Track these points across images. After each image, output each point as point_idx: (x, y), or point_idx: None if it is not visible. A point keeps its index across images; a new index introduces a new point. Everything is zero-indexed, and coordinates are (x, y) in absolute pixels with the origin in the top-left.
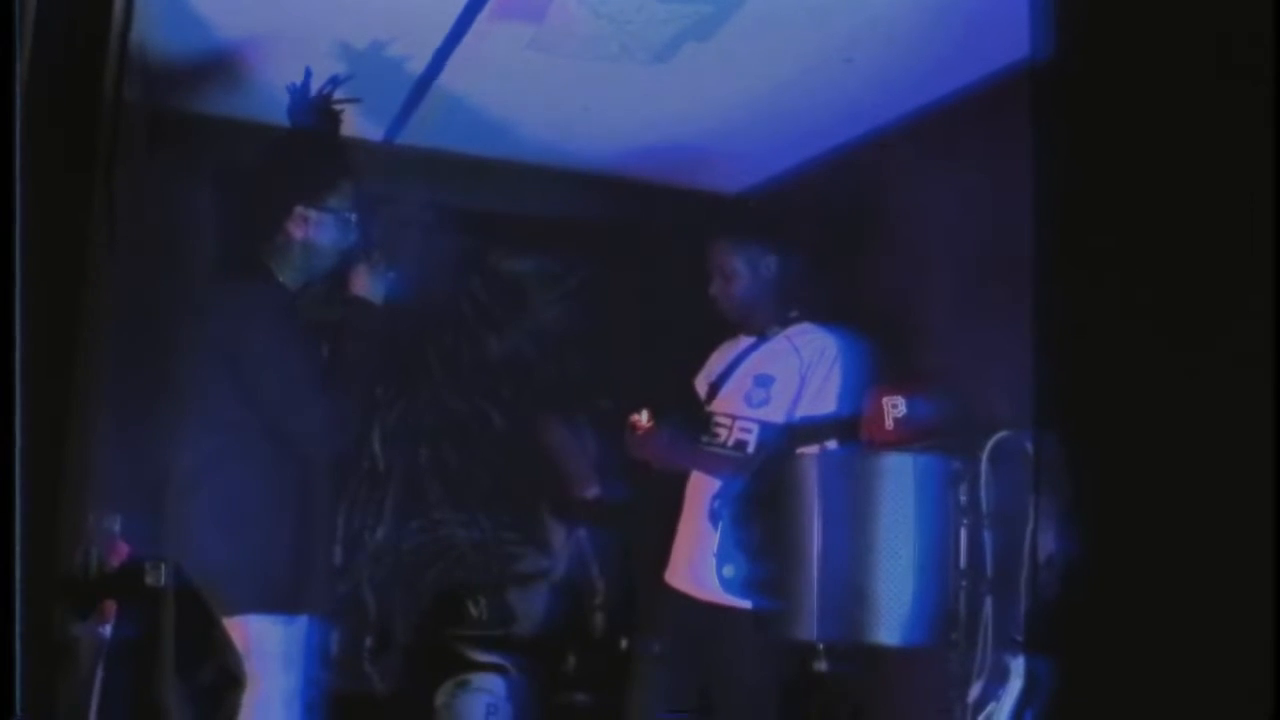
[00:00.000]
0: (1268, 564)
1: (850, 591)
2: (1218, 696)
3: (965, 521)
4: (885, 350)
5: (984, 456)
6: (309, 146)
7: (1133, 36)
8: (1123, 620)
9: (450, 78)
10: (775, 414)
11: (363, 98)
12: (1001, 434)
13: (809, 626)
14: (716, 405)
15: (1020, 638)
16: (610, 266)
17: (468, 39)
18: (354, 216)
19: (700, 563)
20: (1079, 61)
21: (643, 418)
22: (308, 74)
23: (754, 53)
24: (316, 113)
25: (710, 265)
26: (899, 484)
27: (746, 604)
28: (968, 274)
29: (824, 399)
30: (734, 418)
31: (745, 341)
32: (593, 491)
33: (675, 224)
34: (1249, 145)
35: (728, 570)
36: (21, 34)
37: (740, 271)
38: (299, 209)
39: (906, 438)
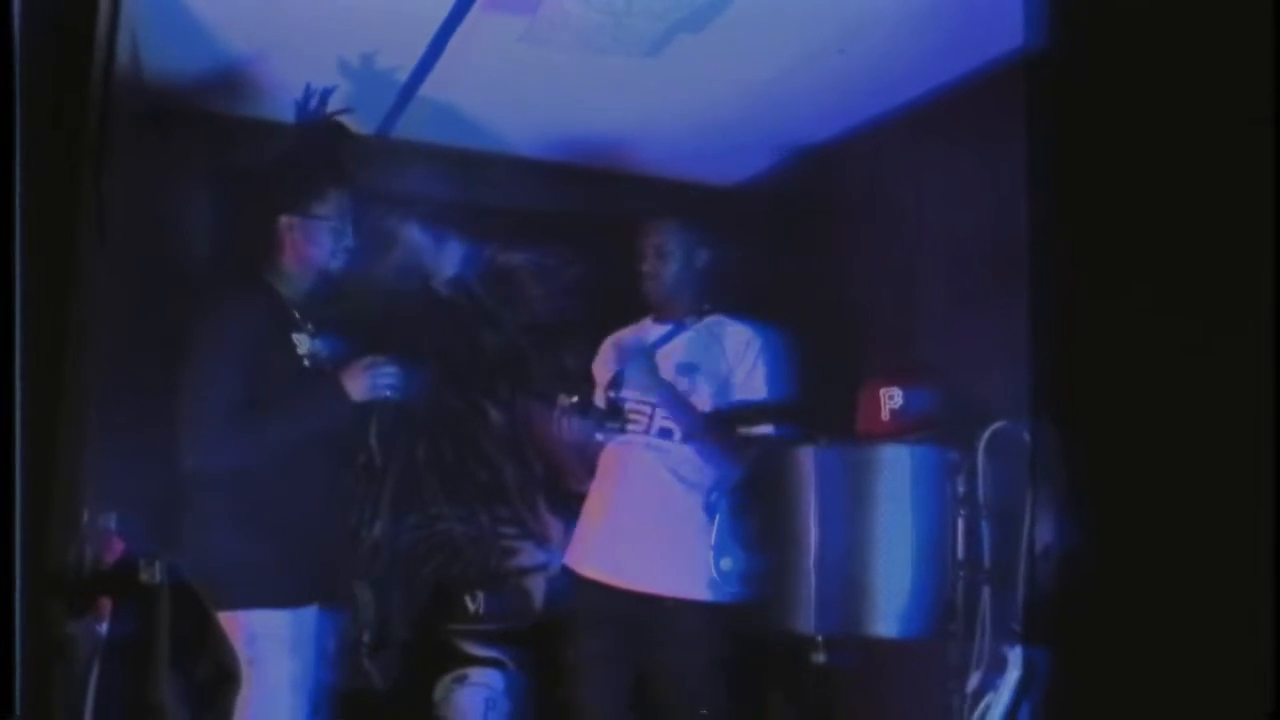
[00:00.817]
0: (1264, 553)
1: (848, 583)
2: (1214, 685)
3: (962, 512)
4: (880, 342)
5: (980, 447)
6: (299, 158)
7: (1126, 26)
8: (1119, 610)
9: (442, 72)
10: (702, 402)
11: (355, 101)
12: (998, 424)
13: (807, 619)
14: (630, 392)
15: (1018, 628)
16: (604, 260)
17: (460, 33)
18: (347, 224)
19: (623, 549)
20: (1073, 51)
21: (573, 401)
22: (308, 90)
23: (747, 44)
24: (313, 127)
25: (646, 243)
26: (896, 476)
27: (665, 591)
28: (964, 264)
29: (753, 386)
30: (654, 405)
31: (658, 329)
32: (589, 485)
33: (669, 217)
34: (1244, 135)
35: (725, 563)
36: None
37: (675, 255)
38: (288, 219)
39: (903, 429)
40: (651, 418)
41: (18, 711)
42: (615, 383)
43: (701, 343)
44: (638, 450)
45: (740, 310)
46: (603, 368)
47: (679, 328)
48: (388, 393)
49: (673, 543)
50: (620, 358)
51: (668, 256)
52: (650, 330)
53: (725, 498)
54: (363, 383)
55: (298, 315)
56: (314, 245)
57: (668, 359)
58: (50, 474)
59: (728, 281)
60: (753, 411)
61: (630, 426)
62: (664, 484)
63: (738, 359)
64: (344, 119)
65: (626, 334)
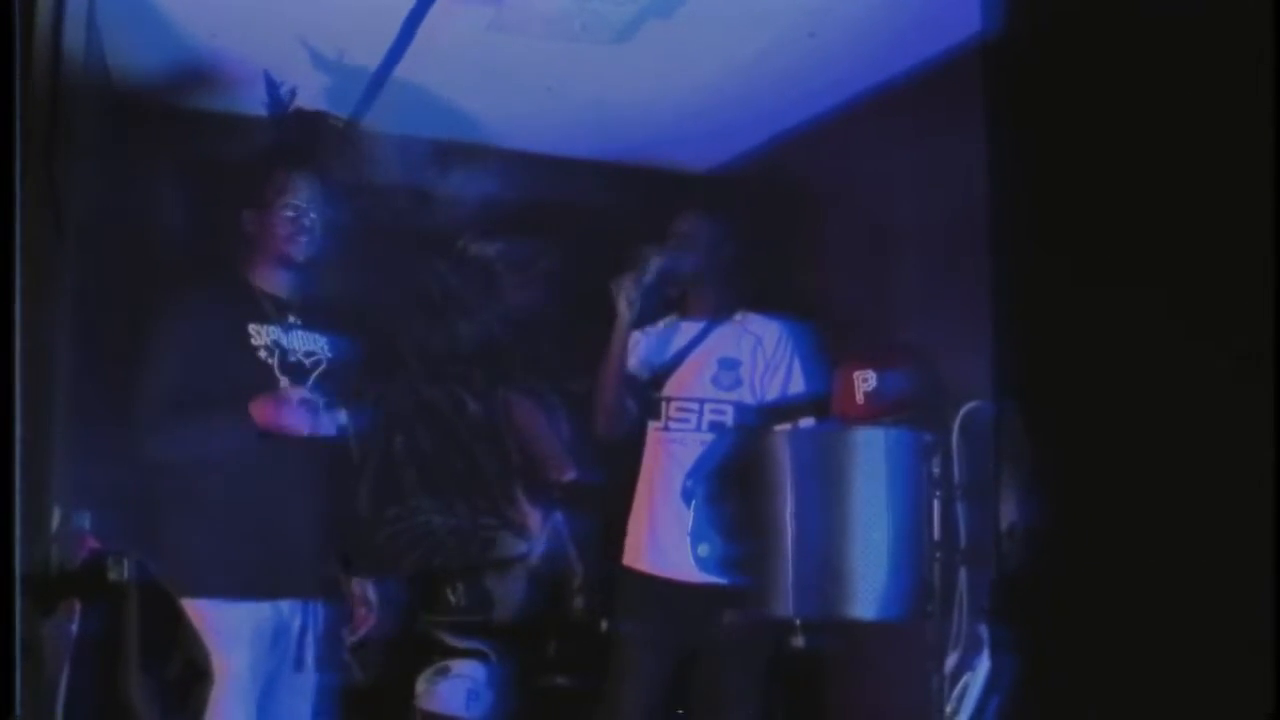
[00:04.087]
0: (1230, 525)
1: (825, 567)
2: (1190, 660)
3: (938, 493)
4: (853, 325)
5: (955, 428)
6: (270, 152)
7: (1085, 10)
8: (1087, 588)
9: (412, 62)
10: (747, 396)
11: (325, 91)
12: (972, 405)
13: (785, 603)
14: (672, 389)
15: (989, 607)
16: (578, 248)
17: (428, 22)
18: (314, 212)
19: (677, 544)
20: (1031, 35)
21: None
22: (269, 80)
23: (717, 29)
24: (284, 123)
25: (677, 236)
26: (871, 458)
27: (722, 581)
28: (936, 245)
29: (793, 380)
30: (701, 401)
31: (691, 325)
32: (568, 474)
33: (642, 204)
34: (1202, 118)
35: (703, 549)
36: None
37: (702, 247)
38: (255, 213)
39: (877, 411)
40: (700, 414)
41: (18, 711)
42: (655, 381)
43: (736, 336)
44: (692, 447)
45: (764, 306)
46: (639, 366)
47: (714, 323)
48: (334, 430)
49: None
50: (654, 354)
51: (700, 251)
52: (686, 327)
53: (701, 484)
54: (303, 419)
55: (272, 308)
56: (284, 237)
57: (710, 355)
58: (11, 474)
59: (751, 276)
60: (793, 408)
61: (675, 424)
62: None
63: (774, 350)
64: (316, 110)
65: (656, 330)
